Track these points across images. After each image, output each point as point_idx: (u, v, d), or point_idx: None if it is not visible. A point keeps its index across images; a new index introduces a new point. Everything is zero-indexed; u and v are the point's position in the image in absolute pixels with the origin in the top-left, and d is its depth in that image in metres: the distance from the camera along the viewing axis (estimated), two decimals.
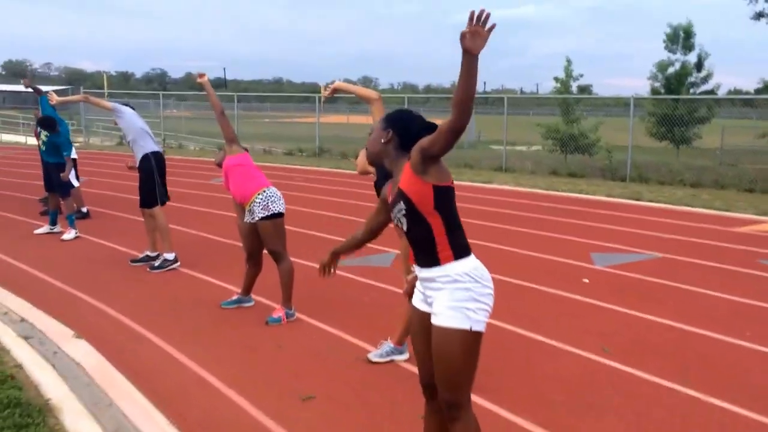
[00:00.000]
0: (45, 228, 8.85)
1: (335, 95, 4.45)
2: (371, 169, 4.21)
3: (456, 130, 2.36)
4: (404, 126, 2.73)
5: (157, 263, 7.05)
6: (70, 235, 8.47)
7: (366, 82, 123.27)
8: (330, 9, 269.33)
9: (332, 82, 4.44)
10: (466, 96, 2.28)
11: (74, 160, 9.83)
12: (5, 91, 63.13)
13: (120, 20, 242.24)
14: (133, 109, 7.32)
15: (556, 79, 22.93)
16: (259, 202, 5.29)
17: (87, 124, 26.08)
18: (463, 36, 2.22)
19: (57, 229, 8.84)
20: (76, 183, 9.87)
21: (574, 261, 7.50)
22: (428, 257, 2.61)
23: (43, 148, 8.63)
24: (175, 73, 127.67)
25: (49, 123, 8.37)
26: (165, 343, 4.87)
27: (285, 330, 5.15)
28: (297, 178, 14.97)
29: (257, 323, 5.27)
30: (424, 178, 2.54)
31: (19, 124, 30.39)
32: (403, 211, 2.60)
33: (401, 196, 2.59)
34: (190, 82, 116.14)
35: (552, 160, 18.93)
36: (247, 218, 5.41)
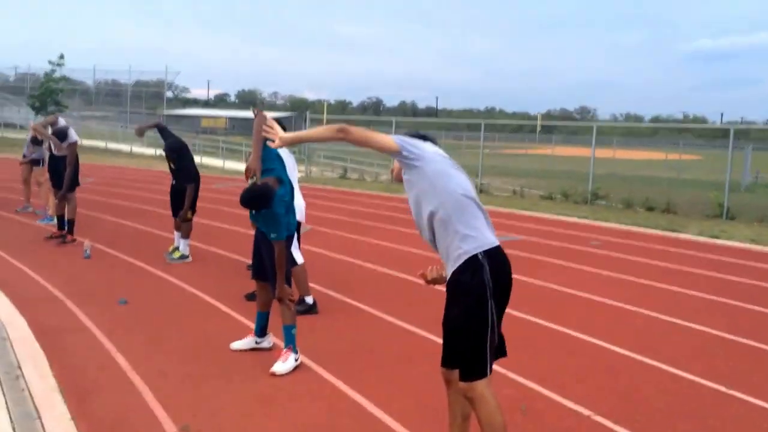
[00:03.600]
0: (247, 341, 5.28)
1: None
2: None
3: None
4: None
5: None
6: (286, 364, 4.78)
7: (584, 112, 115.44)
8: (546, 38, 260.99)
9: None
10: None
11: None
12: (235, 118, 65.76)
13: (338, 52, 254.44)
14: (435, 143, 3.42)
15: None
16: None
17: (309, 153, 23.64)
18: None
19: (267, 342, 5.25)
20: (299, 259, 6.30)
21: None
22: None
23: (253, 212, 5.03)
24: (390, 101, 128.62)
25: (257, 202, 4.67)
26: None
27: None
28: (601, 244, 10.48)
29: None
30: None
31: (242, 152, 29.25)
32: None
33: None
34: (403, 109, 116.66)
35: None
36: None
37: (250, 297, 6.51)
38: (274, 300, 5.05)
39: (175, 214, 8.38)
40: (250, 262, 8.00)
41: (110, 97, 65.48)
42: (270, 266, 4.91)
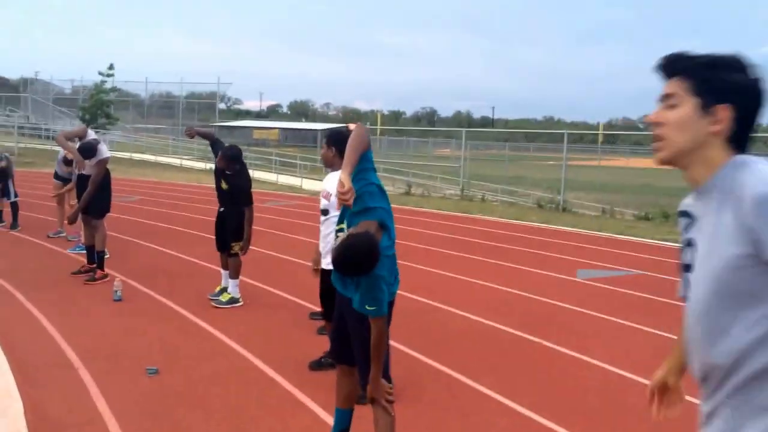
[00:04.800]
0: None
1: None
2: None
3: None
4: None
5: None
6: None
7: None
8: (605, 46, 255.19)
9: None
10: None
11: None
12: (288, 129, 65.06)
13: (390, 63, 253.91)
14: None
15: None
16: None
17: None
18: None
19: None
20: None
21: None
22: None
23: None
24: (445, 111, 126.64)
25: (362, 266, 2.94)
26: None
27: None
28: None
29: None
30: None
31: (296, 166, 27.94)
32: None
33: None
34: (458, 119, 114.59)
35: None
36: None
37: (317, 365, 4.97)
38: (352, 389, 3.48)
39: (221, 247, 6.90)
40: (313, 308, 6.50)
41: (163, 109, 65.50)
42: (360, 350, 3.32)
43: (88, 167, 7.66)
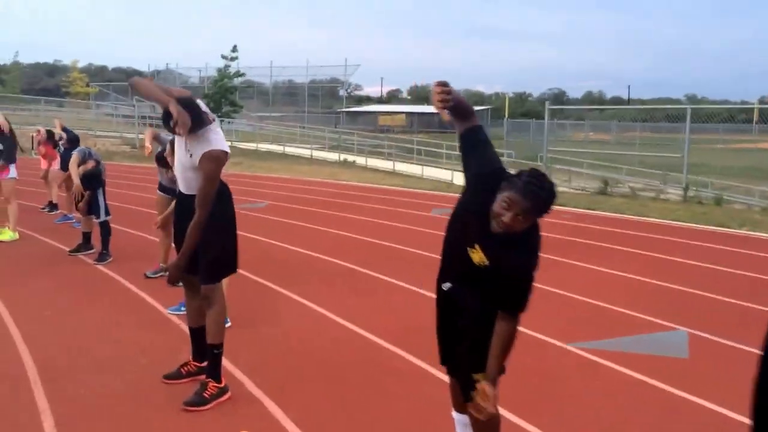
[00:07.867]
0: None
1: None
2: None
3: None
4: None
5: None
6: None
7: None
8: (738, 17, 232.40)
9: None
10: None
11: None
12: (413, 113, 61.12)
13: (510, 44, 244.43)
14: None
15: None
16: None
17: (545, 155, 17.48)
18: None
19: None
20: None
21: None
22: None
23: None
24: (573, 93, 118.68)
25: None
26: None
27: None
28: None
29: None
30: None
31: (437, 154, 24.11)
32: None
33: None
34: (590, 99, 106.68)
35: None
36: None
37: None
38: None
39: (453, 363, 3.01)
40: None
41: (287, 96, 63.78)
42: None
43: (185, 170, 4.00)
